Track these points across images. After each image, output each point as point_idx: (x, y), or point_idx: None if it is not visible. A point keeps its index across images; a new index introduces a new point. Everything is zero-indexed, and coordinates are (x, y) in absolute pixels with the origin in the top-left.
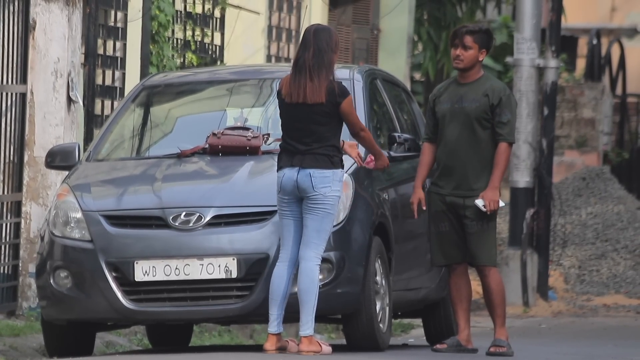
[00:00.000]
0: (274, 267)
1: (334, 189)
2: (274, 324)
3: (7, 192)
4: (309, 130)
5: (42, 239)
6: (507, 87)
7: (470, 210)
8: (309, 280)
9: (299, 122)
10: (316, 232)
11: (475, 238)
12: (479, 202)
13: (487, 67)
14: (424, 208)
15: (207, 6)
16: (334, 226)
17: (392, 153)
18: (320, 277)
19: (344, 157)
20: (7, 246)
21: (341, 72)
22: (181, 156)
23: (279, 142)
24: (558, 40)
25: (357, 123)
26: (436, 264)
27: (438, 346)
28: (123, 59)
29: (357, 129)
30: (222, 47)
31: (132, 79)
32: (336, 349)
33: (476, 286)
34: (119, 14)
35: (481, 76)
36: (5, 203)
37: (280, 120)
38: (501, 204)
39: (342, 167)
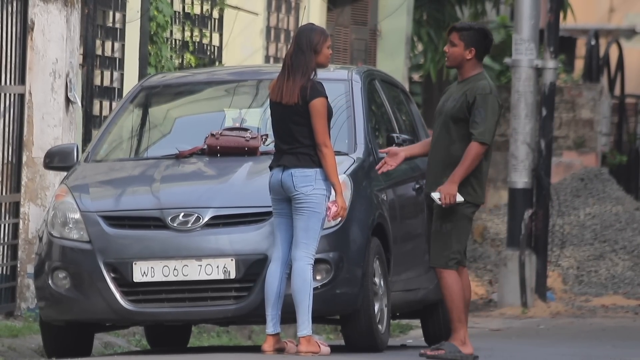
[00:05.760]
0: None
1: (318, 188)
2: (271, 325)
3: (6, 192)
4: (289, 130)
5: (41, 239)
6: (490, 87)
7: (436, 208)
8: (301, 280)
9: (281, 122)
10: (304, 232)
11: (432, 236)
12: (435, 195)
13: (485, 66)
14: (390, 165)
15: (206, 7)
16: (333, 227)
17: None
18: (319, 277)
19: (342, 157)
20: (6, 247)
21: (339, 73)
22: (179, 157)
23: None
24: (556, 41)
25: (320, 132)
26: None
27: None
28: (121, 60)
29: (319, 139)
30: (220, 48)
31: (131, 79)
32: (335, 349)
33: (474, 287)
34: (117, 15)
35: (472, 75)
36: (3, 204)
37: None
38: (459, 198)
39: None
